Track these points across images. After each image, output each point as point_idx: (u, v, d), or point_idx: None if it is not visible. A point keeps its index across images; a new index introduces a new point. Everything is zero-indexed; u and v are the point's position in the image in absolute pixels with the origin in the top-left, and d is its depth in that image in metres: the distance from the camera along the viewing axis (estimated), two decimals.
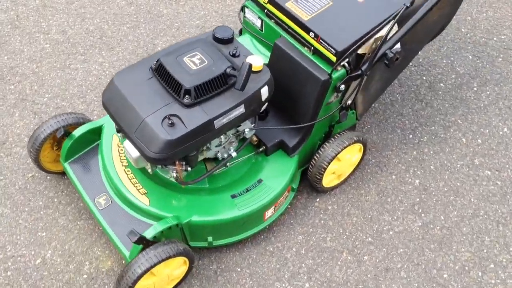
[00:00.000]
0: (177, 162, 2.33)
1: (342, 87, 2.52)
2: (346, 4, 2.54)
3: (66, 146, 2.64)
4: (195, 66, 2.27)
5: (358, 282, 2.61)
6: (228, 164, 2.60)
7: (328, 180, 2.83)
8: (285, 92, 2.67)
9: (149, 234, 2.32)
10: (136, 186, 2.51)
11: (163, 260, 2.24)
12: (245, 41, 2.84)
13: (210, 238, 2.53)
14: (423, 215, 2.88)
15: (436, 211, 2.89)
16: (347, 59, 2.49)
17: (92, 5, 3.79)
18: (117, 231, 2.45)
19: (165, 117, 2.18)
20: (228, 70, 2.27)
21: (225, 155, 2.55)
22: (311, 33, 2.47)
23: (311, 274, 2.63)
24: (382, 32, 2.45)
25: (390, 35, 2.50)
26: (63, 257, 2.59)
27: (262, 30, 2.77)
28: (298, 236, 2.75)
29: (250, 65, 2.25)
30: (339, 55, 2.40)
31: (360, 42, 2.42)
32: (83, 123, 2.69)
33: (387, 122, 3.25)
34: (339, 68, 2.48)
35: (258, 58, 2.38)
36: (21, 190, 2.80)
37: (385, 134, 3.20)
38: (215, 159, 2.59)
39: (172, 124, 2.18)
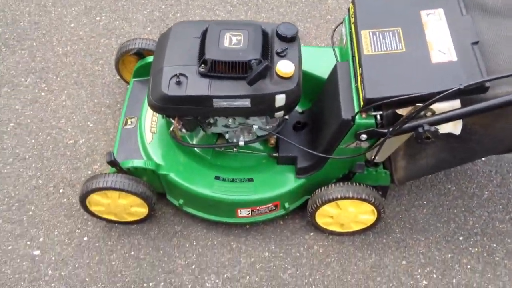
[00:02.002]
0: (176, 119, 2.46)
1: (364, 137, 2.28)
2: (416, 58, 2.23)
3: (137, 65, 2.96)
4: (229, 44, 2.31)
5: None
6: (235, 149, 2.63)
7: (325, 222, 2.63)
8: (321, 114, 2.54)
9: (124, 164, 2.53)
10: (153, 124, 2.72)
11: (116, 189, 2.45)
12: (322, 52, 2.74)
13: (181, 201, 2.64)
14: None
15: None
16: (381, 112, 2.23)
17: None
18: (120, 150, 2.71)
19: (176, 74, 2.31)
20: (252, 62, 2.26)
21: (234, 140, 2.58)
22: (360, 69, 2.27)
23: None
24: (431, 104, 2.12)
25: (441, 110, 2.15)
26: (88, 149, 2.99)
27: (344, 48, 2.62)
28: (265, 252, 2.67)
29: (267, 66, 2.21)
30: (366, 102, 2.17)
31: (392, 100, 2.12)
32: None
33: (448, 211, 2.80)
34: (364, 116, 2.25)
35: (289, 65, 2.30)
36: (107, 85, 3.26)
37: (434, 220, 2.77)
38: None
39: (178, 83, 2.30)
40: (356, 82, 2.31)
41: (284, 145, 2.62)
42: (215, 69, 2.29)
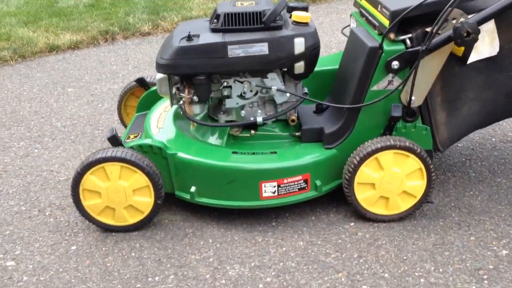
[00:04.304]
0: (187, 89, 2.25)
1: (396, 64, 2.09)
2: None
3: (141, 97, 2.80)
4: (241, 5, 2.29)
5: None
6: (252, 131, 2.34)
7: (367, 198, 2.19)
8: (342, 77, 2.37)
9: (128, 143, 2.21)
10: (158, 124, 2.47)
11: (117, 159, 2.08)
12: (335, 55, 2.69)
13: (193, 188, 2.21)
14: (485, 282, 1.89)
15: (510, 286, 1.87)
16: (409, 35, 2.10)
17: None
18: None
19: (188, 34, 2.21)
20: (266, 11, 2.20)
21: (251, 118, 2.32)
22: (379, 6, 2.22)
23: (282, 273, 1.97)
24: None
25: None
26: None
27: None
28: (299, 241, 2.14)
29: (285, 1, 2.17)
30: (392, 16, 2.07)
31: (419, 5, 2.03)
32: None
33: (506, 196, 2.38)
34: (393, 37, 2.10)
35: (304, 13, 2.25)
36: None
37: (493, 204, 2.34)
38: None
39: (189, 39, 2.19)
40: (375, 26, 2.24)
41: (306, 119, 2.35)
42: (229, 23, 2.21)
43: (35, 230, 2.27)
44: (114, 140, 2.18)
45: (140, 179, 2.13)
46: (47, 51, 4.53)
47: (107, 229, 2.22)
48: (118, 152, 2.11)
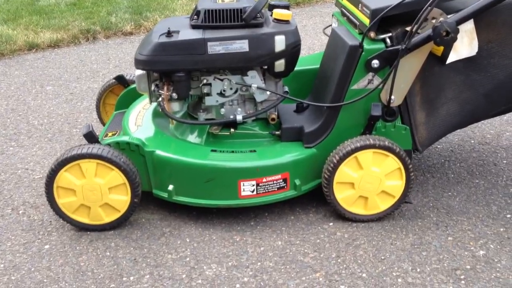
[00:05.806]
0: (166, 85, 2.22)
1: (376, 63, 2.09)
2: None
3: (121, 94, 2.75)
4: (222, 2, 2.27)
5: None
6: (232, 129, 2.31)
7: (346, 198, 2.17)
8: (323, 77, 2.36)
9: (105, 141, 2.17)
10: (137, 122, 2.43)
11: (94, 156, 2.04)
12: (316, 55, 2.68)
13: (171, 187, 2.18)
14: (462, 282, 1.89)
15: (487, 286, 1.86)
16: (389, 34, 2.10)
17: None
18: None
19: (168, 32, 2.18)
20: (246, 8, 2.18)
21: (230, 116, 2.29)
22: (359, 5, 2.21)
23: (260, 273, 1.95)
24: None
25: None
26: None
27: None
28: (278, 241, 2.12)
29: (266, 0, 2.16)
30: (373, 14, 2.06)
31: (399, 3, 2.03)
32: None
33: (484, 197, 2.39)
34: (373, 36, 2.10)
35: (285, 11, 2.23)
36: None
37: (471, 204, 2.34)
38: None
39: (169, 35, 2.16)
40: (356, 25, 2.23)
41: (287, 118, 2.34)
42: (209, 19, 2.18)
43: (7, 229, 2.22)
44: (90, 137, 2.14)
45: (117, 176, 2.09)
46: (26, 49, 4.45)
47: (82, 227, 2.18)
48: (94, 149, 2.07)
